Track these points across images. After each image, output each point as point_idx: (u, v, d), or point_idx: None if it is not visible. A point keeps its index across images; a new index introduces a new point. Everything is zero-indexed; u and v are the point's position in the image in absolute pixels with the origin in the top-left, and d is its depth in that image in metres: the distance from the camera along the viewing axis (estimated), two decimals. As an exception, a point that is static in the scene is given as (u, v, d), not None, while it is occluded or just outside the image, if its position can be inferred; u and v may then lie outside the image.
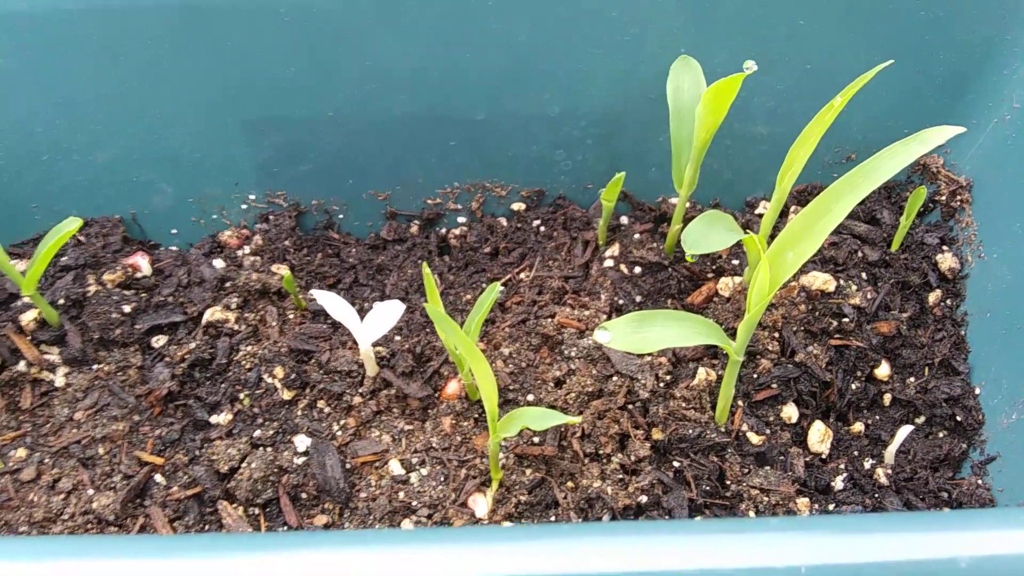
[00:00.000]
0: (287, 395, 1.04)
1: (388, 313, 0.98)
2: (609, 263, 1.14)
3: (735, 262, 1.13)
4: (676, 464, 0.97)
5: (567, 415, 0.89)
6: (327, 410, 1.03)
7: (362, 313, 1.05)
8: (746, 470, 0.97)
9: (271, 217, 1.20)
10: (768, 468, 0.97)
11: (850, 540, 0.57)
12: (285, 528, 0.96)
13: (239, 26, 1.04)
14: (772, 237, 1.05)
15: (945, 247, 1.14)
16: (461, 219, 1.23)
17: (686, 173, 1.04)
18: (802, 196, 1.20)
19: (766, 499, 0.94)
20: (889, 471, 1.02)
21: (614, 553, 0.55)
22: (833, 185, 0.81)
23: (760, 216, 1.19)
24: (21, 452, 1.02)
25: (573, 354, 1.04)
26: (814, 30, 1.06)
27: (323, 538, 0.61)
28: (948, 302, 1.11)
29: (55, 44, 1.05)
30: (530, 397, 1.02)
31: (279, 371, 1.05)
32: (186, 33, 1.05)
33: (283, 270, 1.15)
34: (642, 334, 0.85)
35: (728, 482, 0.97)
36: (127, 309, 1.10)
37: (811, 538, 0.57)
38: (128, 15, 1.03)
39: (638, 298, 1.11)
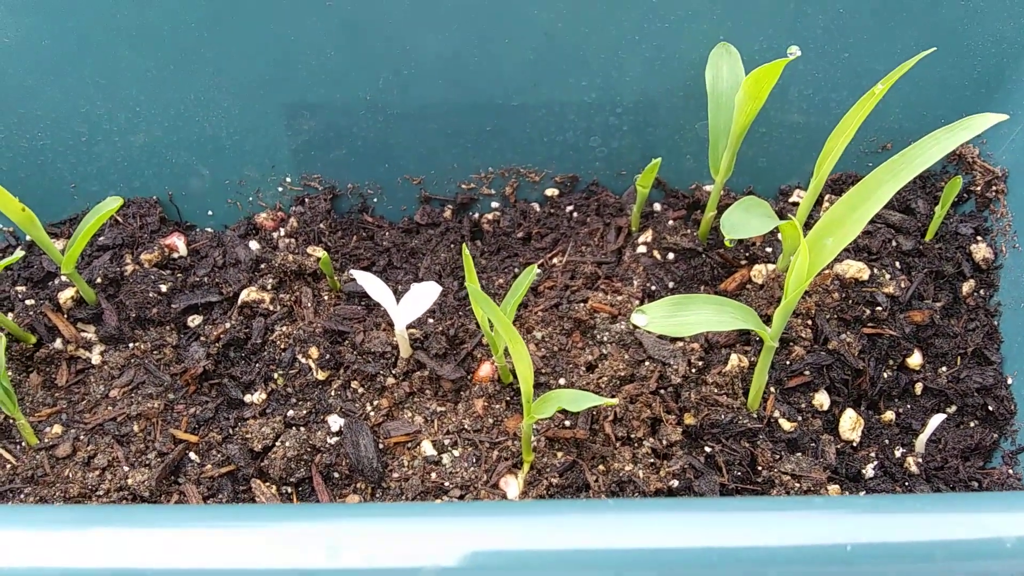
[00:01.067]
0: (321, 375, 1.05)
1: (424, 294, 0.98)
2: (642, 249, 1.14)
3: (768, 249, 1.13)
4: (708, 449, 0.98)
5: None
6: (360, 391, 1.04)
7: (397, 295, 1.05)
8: (777, 456, 0.97)
9: (306, 200, 1.21)
10: (799, 455, 0.97)
11: (894, 519, 0.57)
12: (319, 506, 0.97)
13: (280, 11, 1.05)
14: (807, 225, 1.05)
15: (979, 237, 1.14)
16: (494, 204, 1.24)
17: (723, 160, 1.04)
18: (836, 185, 1.20)
19: (797, 485, 0.95)
20: (920, 460, 1.02)
21: (667, 527, 0.56)
22: (874, 172, 0.81)
23: (794, 204, 1.19)
24: (57, 429, 1.03)
25: (605, 339, 1.04)
26: (853, 19, 1.06)
27: (357, 510, 0.61)
28: (981, 292, 1.11)
29: (97, 28, 1.06)
30: (562, 381, 1.02)
31: (313, 351, 1.05)
32: (226, 17, 1.06)
33: (318, 252, 1.16)
34: (679, 318, 0.86)
35: (759, 468, 0.97)
36: (163, 289, 1.11)
37: (856, 517, 0.57)
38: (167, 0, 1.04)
39: (671, 284, 1.11)
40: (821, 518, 0.57)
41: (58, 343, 1.09)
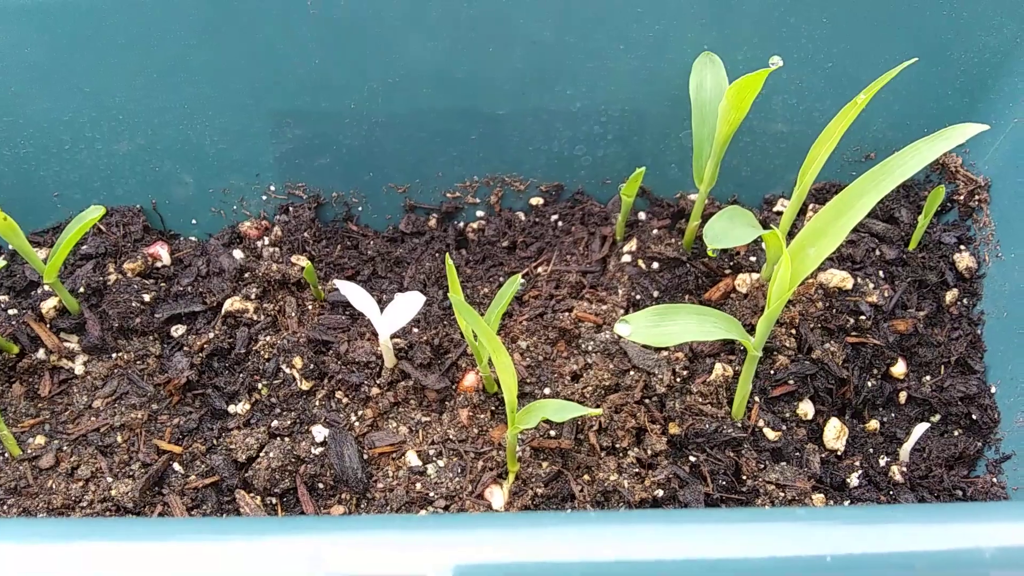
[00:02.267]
0: (305, 385, 1.05)
1: (408, 304, 0.98)
2: (627, 258, 1.14)
3: (752, 259, 1.13)
4: (692, 458, 0.98)
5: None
6: (345, 401, 1.04)
7: (381, 305, 1.05)
8: (762, 465, 0.97)
9: (291, 208, 1.21)
10: (784, 464, 0.98)
11: (875, 530, 0.57)
12: (303, 517, 0.97)
13: (266, 18, 1.05)
14: (791, 234, 1.05)
15: (962, 246, 1.14)
16: (479, 213, 1.24)
17: (706, 169, 1.04)
18: (820, 194, 1.20)
19: (782, 494, 0.95)
20: (904, 469, 1.02)
21: (639, 540, 0.56)
22: (856, 182, 0.82)
23: (778, 213, 1.20)
24: (40, 439, 1.02)
25: (590, 348, 1.04)
26: (836, 29, 1.07)
27: (341, 523, 0.61)
28: (965, 301, 1.12)
29: (83, 36, 1.06)
30: (547, 390, 1.02)
31: (297, 361, 1.05)
32: (213, 25, 1.06)
33: (302, 261, 1.16)
34: (663, 328, 0.86)
35: (744, 477, 0.97)
36: (147, 298, 1.11)
37: (837, 528, 0.57)
38: (157, 8, 1.04)
39: (655, 293, 1.11)
40: (802, 529, 0.57)
41: (41, 353, 1.08)
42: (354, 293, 0.99)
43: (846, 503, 0.99)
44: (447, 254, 0.94)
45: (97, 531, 0.62)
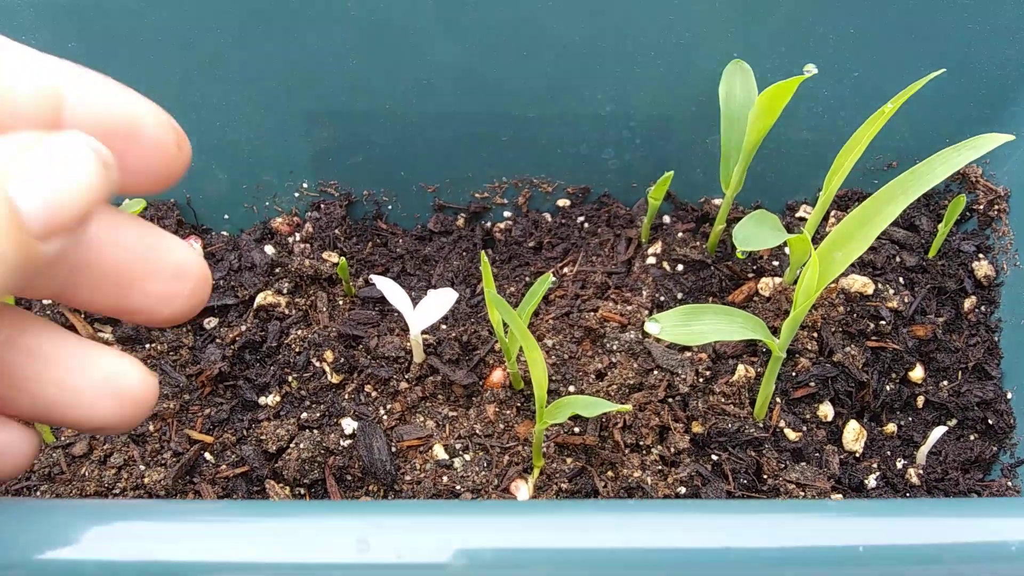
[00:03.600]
0: (335, 379, 1.07)
1: (441, 300, 1.00)
2: (651, 260, 1.16)
3: (775, 263, 1.15)
4: (715, 457, 1.00)
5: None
6: (374, 394, 1.06)
7: (411, 301, 1.07)
8: (783, 465, 0.99)
9: (322, 206, 1.23)
10: (804, 464, 0.99)
11: (904, 522, 0.59)
12: (333, 506, 0.99)
13: (303, 19, 1.07)
14: (815, 240, 1.07)
15: (981, 255, 1.16)
16: (507, 213, 1.26)
17: (733, 175, 1.06)
18: (842, 201, 1.22)
19: (802, 494, 0.97)
20: (921, 471, 1.04)
21: (671, 528, 0.58)
22: (883, 188, 0.84)
23: (800, 219, 1.22)
24: (74, 426, 1.04)
25: (615, 347, 1.06)
26: (864, 40, 1.09)
27: (387, 507, 0.63)
28: (983, 308, 1.14)
29: (122, 32, 1.08)
30: (571, 388, 1.04)
31: (328, 355, 1.07)
32: (251, 25, 1.08)
33: (333, 257, 1.18)
34: (691, 327, 0.88)
35: (765, 476, 0.99)
36: (180, 290, 1.12)
37: (867, 520, 0.59)
38: (194, 7, 1.06)
39: (679, 295, 1.13)
40: (835, 520, 0.59)
41: (75, 342, 1.10)
42: (389, 288, 1.01)
43: (864, 504, 1.01)
44: (482, 251, 0.96)
45: (139, 512, 0.63)
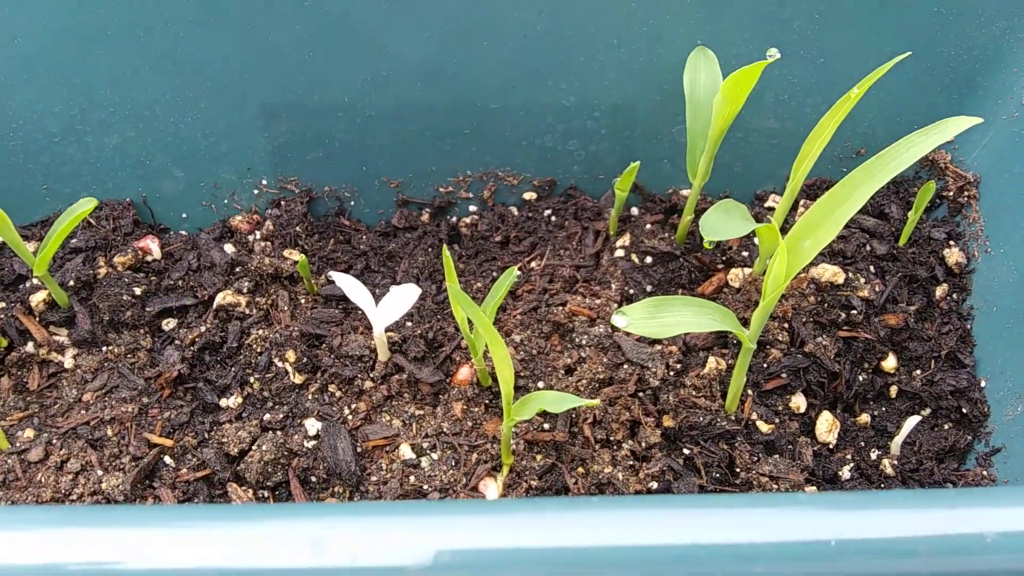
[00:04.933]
0: (298, 379, 1.04)
1: (404, 296, 0.98)
2: (620, 253, 1.15)
3: (745, 253, 1.14)
4: (686, 451, 0.98)
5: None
6: (338, 394, 1.04)
7: (375, 299, 1.05)
8: (755, 458, 0.98)
9: (283, 203, 1.21)
10: (777, 456, 0.98)
11: (877, 515, 0.57)
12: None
13: (257, 11, 1.05)
14: (783, 229, 1.06)
15: (952, 242, 1.15)
16: (472, 208, 1.24)
17: (700, 164, 1.05)
18: (811, 190, 1.21)
19: (775, 487, 0.95)
20: (895, 462, 1.03)
21: (640, 525, 0.56)
22: (851, 174, 0.82)
23: (769, 209, 1.20)
24: (28, 433, 1.01)
25: (584, 342, 1.04)
26: (828, 25, 1.08)
27: (343, 509, 0.61)
28: (954, 296, 1.13)
29: (71, 26, 1.05)
30: (540, 384, 1.03)
31: (290, 355, 1.05)
32: (204, 17, 1.05)
33: (295, 255, 1.16)
34: (660, 319, 0.86)
35: (738, 469, 0.97)
36: (137, 292, 1.10)
37: (840, 513, 0.57)
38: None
39: (648, 287, 1.11)
40: (806, 514, 0.57)
41: (30, 346, 1.08)
42: (350, 285, 0.99)
43: (838, 496, 0.99)
44: (444, 246, 0.94)
45: (94, 518, 0.61)
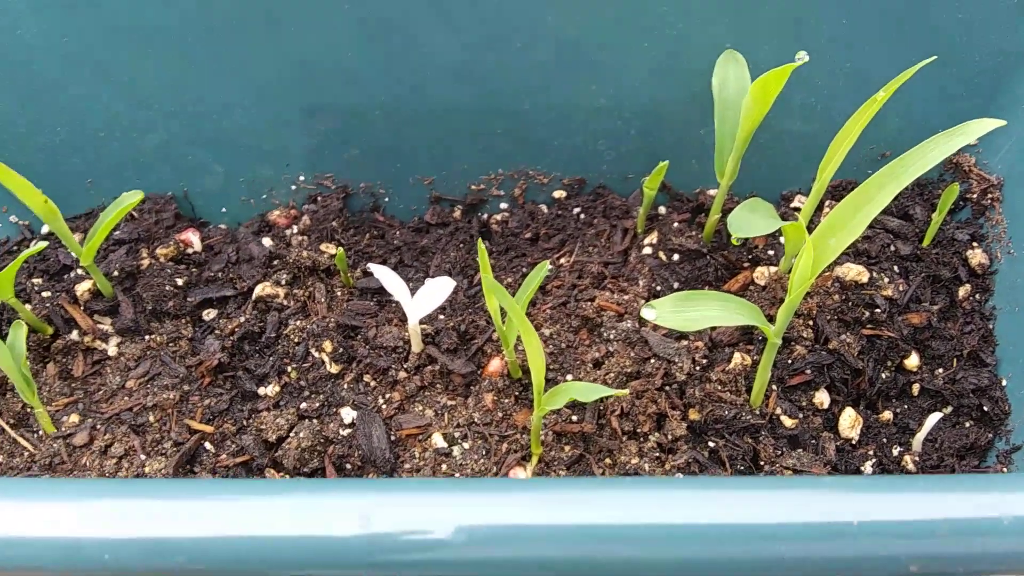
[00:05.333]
0: (334, 369, 1.07)
1: (439, 289, 1.01)
2: (647, 250, 1.17)
3: (770, 252, 1.16)
4: (712, 444, 1.00)
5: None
6: (373, 384, 1.07)
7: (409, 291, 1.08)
8: (779, 452, 1.00)
9: (319, 198, 1.24)
10: (800, 451, 1.00)
11: (899, 498, 0.60)
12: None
13: (299, 13, 1.08)
14: (809, 229, 1.08)
15: (975, 243, 1.17)
16: (503, 205, 1.27)
17: (728, 164, 1.07)
18: (836, 191, 1.23)
19: (799, 480, 0.97)
20: (916, 458, 1.04)
21: (683, 504, 0.59)
22: (875, 175, 0.84)
23: (795, 209, 1.22)
24: (74, 418, 1.05)
25: (612, 336, 1.07)
26: (856, 30, 1.10)
27: (390, 484, 0.64)
28: (977, 296, 1.14)
29: (118, 25, 1.09)
30: (569, 377, 1.05)
31: (327, 345, 1.08)
32: (247, 18, 1.09)
33: (331, 249, 1.19)
34: (687, 313, 0.89)
35: (762, 463, 0.99)
36: (179, 282, 1.13)
37: (862, 496, 0.60)
38: (193, 1, 1.07)
39: (675, 284, 1.14)
40: (830, 496, 0.60)
41: (75, 334, 1.11)
42: (387, 277, 1.02)
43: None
44: (479, 239, 0.96)
45: (144, 491, 0.64)
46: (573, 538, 0.60)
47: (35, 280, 1.16)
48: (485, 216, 1.26)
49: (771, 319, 1.04)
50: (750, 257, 1.16)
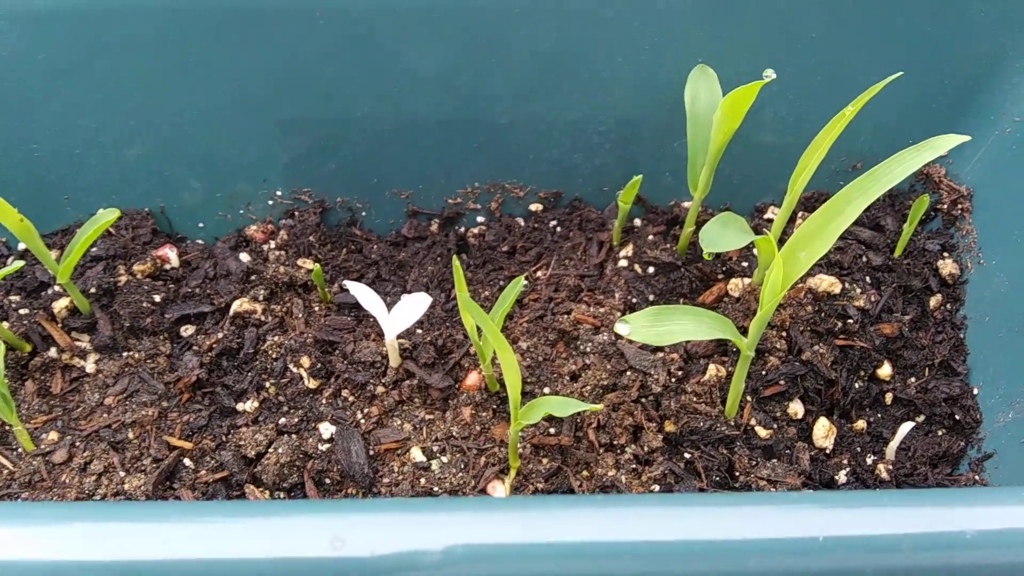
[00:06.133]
0: (312, 384, 1.08)
1: (415, 305, 1.02)
2: (623, 263, 1.18)
3: (744, 264, 1.17)
4: (687, 455, 1.01)
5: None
6: (351, 399, 1.07)
7: (386, 306, 1.08)
8: (754, 462, 1.01)
9: (296, 213, 1.24)
10: (775, 461, 1.01)
11: (864, 513, 0.61)
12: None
13: (275, 28, 1.08)
14: (782, 240, 1.09)
15: (946, 253, 1.18)
16: (480, 219, 1.27)
17: (700, 177, 1.08)
18: (809, 203, 1.24)
19: (773, 490, 0.98)
20: (890, 467, 1.06)
21: (652, 521, 0.59)
22: (845, 188, 0.86)
23: (768, 221, 1.24)
24: (52, 435, 1.05)
25: (588, 349, 1.08)
26: (826, 43, 1.11)
27: (361, 505, 0.64)
28: (948, 306, 1.16)
29: (95, 41, 1.09)
30: (546, 390, 1.06)
31: (305, 361, 1.08)
32: (223, 33, 1.09)
33: (308, 264, 1.19)
34: (661, 327, 0.90)
35: (737, 473, 1.01)
36: (157, 299, 1.14)
37: (828, 511, 0.61)
38: (168, 14, 1.07)
39: (651, 297, 1.15)
40: (797, 512, 0.61)
41: (53, 352, 1.11)
42: (363, 293, 1.02)
43: (834, 499, 1.02)
44: (455, 255, 0.97)
45: (119, 513, 0.64)
46: (548, 556, 0.61)
47: (12, 297, 1.16)
48: (462, 229, 1.27)
49: (744, 331, 1.05)
50: (724, 269, 1.17)
